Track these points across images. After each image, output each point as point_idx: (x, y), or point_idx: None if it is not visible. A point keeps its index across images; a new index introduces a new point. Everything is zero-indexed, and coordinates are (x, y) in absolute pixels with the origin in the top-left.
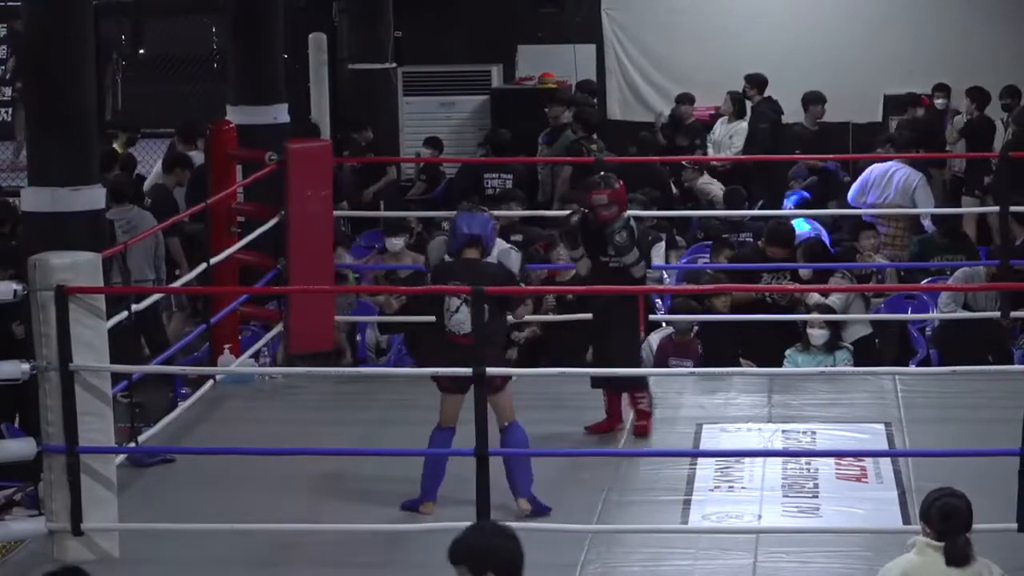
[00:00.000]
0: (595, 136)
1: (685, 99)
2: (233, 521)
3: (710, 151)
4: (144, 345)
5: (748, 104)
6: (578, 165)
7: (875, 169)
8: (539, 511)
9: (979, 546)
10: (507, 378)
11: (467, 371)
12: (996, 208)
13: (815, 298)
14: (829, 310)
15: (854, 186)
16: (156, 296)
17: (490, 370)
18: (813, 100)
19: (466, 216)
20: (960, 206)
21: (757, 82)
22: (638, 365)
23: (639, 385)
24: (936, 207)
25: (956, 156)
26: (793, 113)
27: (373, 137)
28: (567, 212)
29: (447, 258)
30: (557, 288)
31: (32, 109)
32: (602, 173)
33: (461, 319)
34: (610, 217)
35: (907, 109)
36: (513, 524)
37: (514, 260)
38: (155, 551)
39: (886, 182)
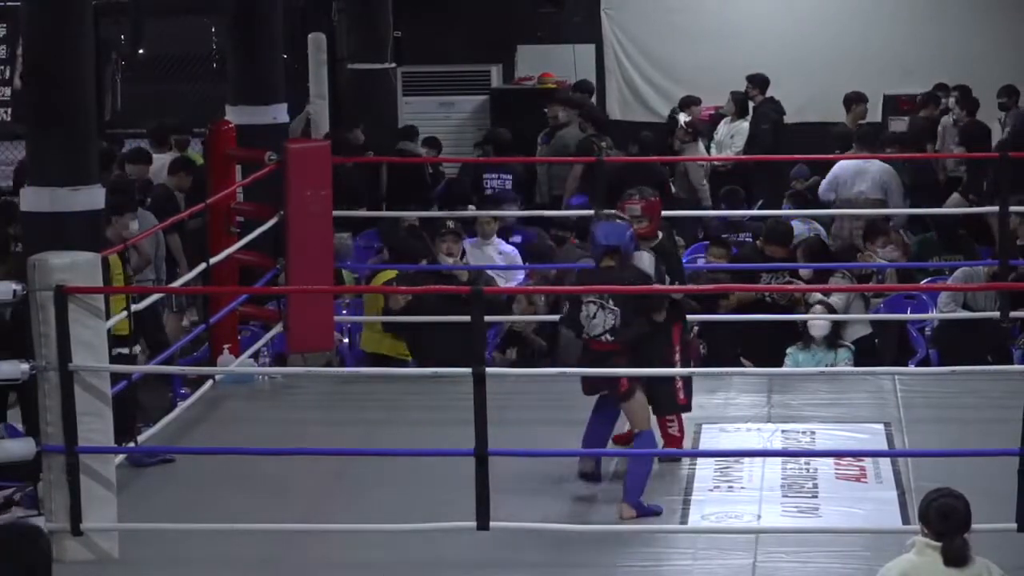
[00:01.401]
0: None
1: (692, 100)
2: (233, 521)
3: (712, 151)
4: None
5: (750, 104)
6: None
7: (846, 166)
8: (647, 514)
9: (979, 546)
10: (635, 386)
11: (466, 371)
12: (995, 208)
13: (817, 295)
14: (829, 308)
15: (823, 184)
16: (156, 296)
17: (490, 370)
18: (856, 100)
19: (604, 227)
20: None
21: (759, 82)
22: (671, 386)
23: (673, 410)
24: (935, 207)
25: (955, 156)
26: (795, 113)
27: (365, 138)
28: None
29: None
30: (551, 288)
31: (32, 109)
32: (639, 187)
33: (596, 324)
34: (641, 233)
35: (925, 106)
36: (516, 525)
37: (647, 262)
38: (155, 551)
39: (859, 178)
